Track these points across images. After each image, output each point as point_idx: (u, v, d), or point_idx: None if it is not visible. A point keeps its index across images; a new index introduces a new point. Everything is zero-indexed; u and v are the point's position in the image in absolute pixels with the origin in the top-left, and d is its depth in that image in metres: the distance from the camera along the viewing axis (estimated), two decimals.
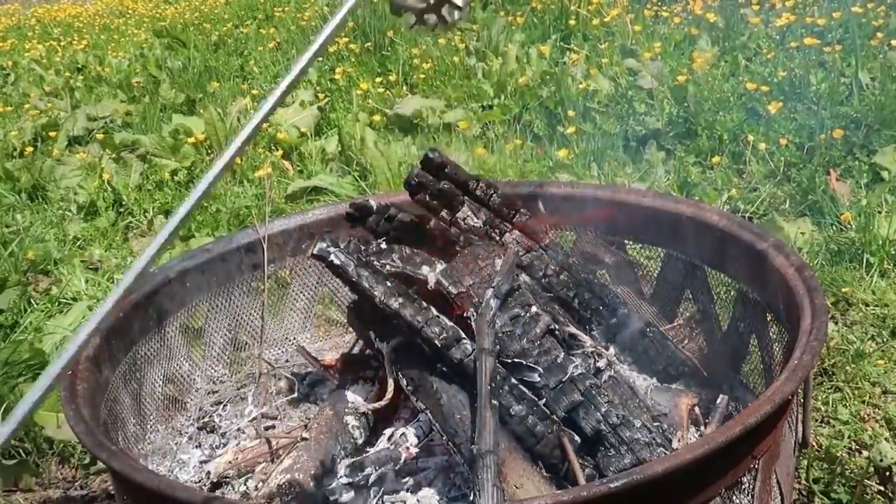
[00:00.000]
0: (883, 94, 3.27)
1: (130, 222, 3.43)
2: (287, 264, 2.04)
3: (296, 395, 1.84)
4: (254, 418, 1.75)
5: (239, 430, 1.77)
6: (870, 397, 1.94)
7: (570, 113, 3.69)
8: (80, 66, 6.48)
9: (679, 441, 1.51)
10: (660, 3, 5.29)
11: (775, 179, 2.99)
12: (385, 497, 1.46)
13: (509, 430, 1.40)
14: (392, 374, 1.56)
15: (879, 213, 2.63)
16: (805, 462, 1.71)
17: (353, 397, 1.67)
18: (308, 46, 0.93)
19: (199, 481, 1.62)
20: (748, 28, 4.47)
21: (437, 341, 1.43)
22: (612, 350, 1.72)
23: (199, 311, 1.92)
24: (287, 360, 2.05)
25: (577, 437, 1.41)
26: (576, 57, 4.54)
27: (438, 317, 1.47)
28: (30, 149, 4.23)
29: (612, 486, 1.07)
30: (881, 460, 1.71)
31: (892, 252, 2.43)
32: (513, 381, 1.44)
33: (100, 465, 1.94)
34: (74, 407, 1.36)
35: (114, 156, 3.94)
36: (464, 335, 1.45)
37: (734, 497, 1.29)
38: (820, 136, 3.10)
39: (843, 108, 3.27)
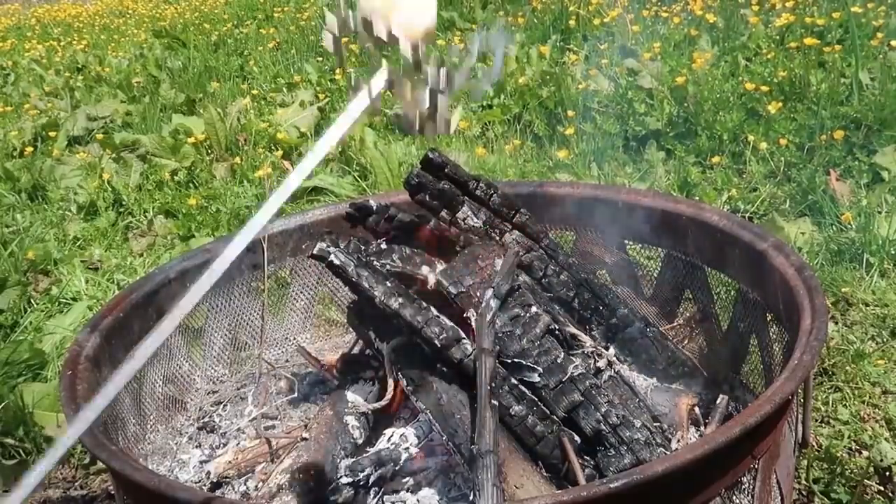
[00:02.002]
0: (883, 94, 3.27)
1: (130, 222, 3.43)
2: (287, 264, 2.04)
3: (296, 395, 1.84)
4: (254, 418, 1.75)
5: (239, 430, 1.77)
6: (870, 397, 1.94)
7: (570, 113, 3.69)
8: (80, 66, 6.49)
9: (679, 441, 1.51)
10: (659, 4, 5.28)
11: (775, 179, 2.99)
12: (385, 497, 1.46)
13: (509, 430, 1.40)
14: (392, 374, 1.56)
15: (879, 213, 2.62)
16: (805, 462, 1.71)
17: (353, 397, 1.67)
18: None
19: (199, 481, 1.62)
20: (748, 28, 4.47)
21: (437, 341, 1.43)
22: (612, 350, 1.72)
23: (199, 311, 1.92)
24: (287, 360, 2.05)
25: (577, 437, 1.41)
26: (576, 57, 4.54)
27: (438, 317, 1.46)
28: (30, 149, 4.24)
29: (612, 486, 1.07)
30: (881, 460, 1.71)
31: (892, 252, 2.42)
32: (513, 381, 1.44)
33: (100, 465, 1.94)
34: (74, 407, 1.36)
35: (114, 156, 3.94)
36: (464, 335, 1.45)
37: (734, 497, 1.29)
38: (820, 136, 3.10)
39: (843, 108, 3.27)
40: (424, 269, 1.61)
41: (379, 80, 1.09)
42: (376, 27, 1.07)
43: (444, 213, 1.71)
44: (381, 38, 1.08)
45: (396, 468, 1.48)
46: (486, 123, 3.92)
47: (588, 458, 1.41)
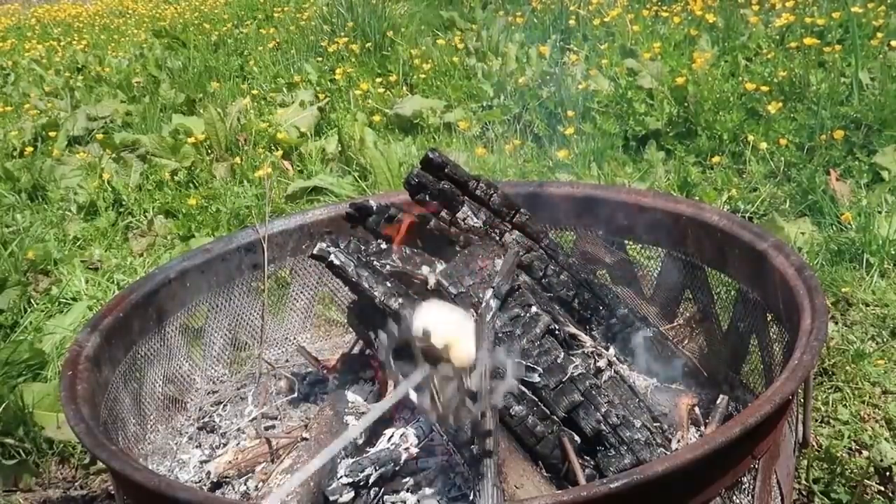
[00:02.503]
0: (883, 94, 3.27)
1: (130, 222, 3.43)
2: (287, 264, 2.04)
3: (296, 395, 1.84)
4: (254, 418, 1.75)
5: (239, 430, 1.77)
6: (870, 397, 1.94)
7: (570, 113, 3.69)
8: (80, 66, 6.49)
9: (679, 441, 1.51)
10: (660, 3, 5.29)
11: (775, 179, 2.99)
12: (385, 497, 1.46)
13: (509, 430, 1.40)
14: (392, 374, 1.56)
15: (879, 213, 2.62)
16: (805, 462, 1.71)
17: (353, 397, 1.67)
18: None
19: (199, 481, 1.62)
20: (748, 28, 4.47)
21: None
22: (612, 350, 1.72)
23: (199, 311, 1.92)
24: (287, 360, 2.05)
25: (577, 437, 1.41)
26: (576, 57, 4.54)
27: None
28: (30, 149, 4.23)
29: (612, 486, 1.07)
30: (881, 460, 1.71)
31: (892, 252, 2.42)
32: None
33: (100, 465, 1.94)
34: (74, 407, 1.36)
35: (114, 156, 3.94)
36: None
37: (734, 497, 1.29)
38: (820, 136, 3.10)
39: (843, 108, 3.27)
40: (424, 269, 1.61)
41: (418, 377, 1.28)
42: (435, 340, 1.25)
43: (444, 213, 1.71)
44: (436, 350, 1.26)
45: (396, 468, 1.48)
46: (486, 123, 3.92)
47: (588, 458, 1.41)
